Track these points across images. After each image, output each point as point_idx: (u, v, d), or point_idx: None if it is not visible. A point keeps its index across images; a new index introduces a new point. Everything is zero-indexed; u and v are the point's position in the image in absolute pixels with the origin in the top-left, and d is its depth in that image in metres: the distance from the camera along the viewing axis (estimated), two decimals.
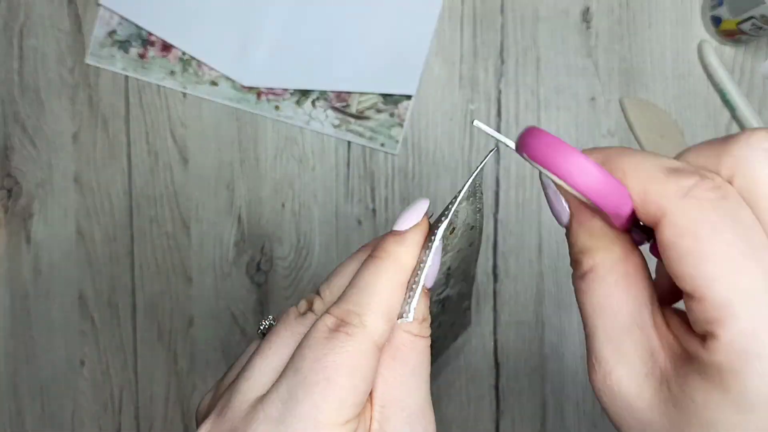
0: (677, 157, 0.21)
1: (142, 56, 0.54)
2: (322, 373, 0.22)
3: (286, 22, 0.53)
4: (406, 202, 0.53)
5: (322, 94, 0.53)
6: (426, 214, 0.25)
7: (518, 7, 0.53)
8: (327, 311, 0.24)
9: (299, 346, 0.24)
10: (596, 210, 0.21)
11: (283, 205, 0.54)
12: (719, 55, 0.52)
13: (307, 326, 0.24)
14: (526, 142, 0.20)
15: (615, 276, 0.21)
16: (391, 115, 0.53)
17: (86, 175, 0.55)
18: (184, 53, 0.54)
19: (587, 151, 0.21)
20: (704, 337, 0.19)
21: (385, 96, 0.53)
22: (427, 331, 0.25)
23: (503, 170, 0.53)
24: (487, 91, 0.53)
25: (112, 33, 0.54)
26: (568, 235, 0.23)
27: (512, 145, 0.22)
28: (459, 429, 0.54)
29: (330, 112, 0.53)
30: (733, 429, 0.18)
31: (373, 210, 0.54)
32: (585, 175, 0.20)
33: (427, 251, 0.25)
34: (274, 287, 0.54)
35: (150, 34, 0.54)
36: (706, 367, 0.18)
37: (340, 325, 0.23)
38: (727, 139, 0.20)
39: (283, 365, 0.24)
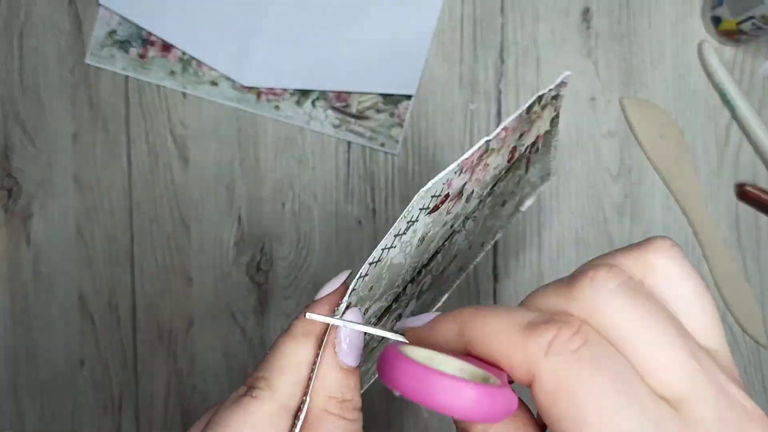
0: (526, 301, 0.20)
1: (142, 56, 0.54)
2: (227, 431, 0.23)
3: (286, 21, 0.53)
4: (406, 202, 0.53)
5: (322, 94, 0.53)
6: (345, 282, 0.26)
7: (518, 7, 0.53)
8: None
9: (214, 413, 0.25)
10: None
11: (283, 205, 0.54)
12: (719, 55, 0.52)
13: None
14: (384, 372, 0.18)
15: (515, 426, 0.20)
16: (391, 115, 0.53)
17: (86, 175, 0.55)
18: (184, 53, 0.54)
19: (441, 319, 0.21)
20: None
21: (385, 96, 0.53)
22: (352, 414, 0.25)
23: None
24: (487, 91, 0.53)
25: (112, 33, 0.54)
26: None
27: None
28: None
29: (330, 112, 0.53)
30: None
31: (373, 210, 0.54)
32: (463, 399, 0.17)
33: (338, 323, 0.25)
34: (274, 287, 0.54)
35: (150, 34, 0.54)
36: None
37: (248, 390, 0.24)
38: (570, 285, 0.19)
39: None
